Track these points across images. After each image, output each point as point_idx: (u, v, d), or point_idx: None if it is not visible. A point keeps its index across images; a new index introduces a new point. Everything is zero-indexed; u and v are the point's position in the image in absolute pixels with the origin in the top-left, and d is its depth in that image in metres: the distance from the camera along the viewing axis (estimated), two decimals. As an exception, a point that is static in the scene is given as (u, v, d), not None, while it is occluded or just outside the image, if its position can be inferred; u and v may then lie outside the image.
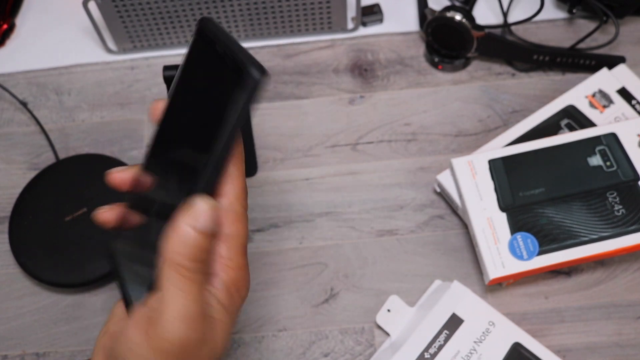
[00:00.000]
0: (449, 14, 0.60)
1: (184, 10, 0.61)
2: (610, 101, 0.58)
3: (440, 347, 0.48)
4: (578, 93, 0.58)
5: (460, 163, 0.54)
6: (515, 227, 0.51)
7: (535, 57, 0.61)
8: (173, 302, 0.31)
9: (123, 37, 0.63)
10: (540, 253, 0.50)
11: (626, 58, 0.61)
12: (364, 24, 0.66)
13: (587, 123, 0.57)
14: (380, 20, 0.66)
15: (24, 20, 0.68)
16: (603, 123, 0.57)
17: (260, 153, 0.60)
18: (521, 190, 0.53)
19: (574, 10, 0.64)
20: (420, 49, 0.65)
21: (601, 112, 0.57)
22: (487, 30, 0.60)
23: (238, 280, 0.34)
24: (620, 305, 0.53)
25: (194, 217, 0.31)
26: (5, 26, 0.66)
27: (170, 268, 0.31)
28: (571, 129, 0.57)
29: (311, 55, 0.65)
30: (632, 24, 0.65)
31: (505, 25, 0.64)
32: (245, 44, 0.65)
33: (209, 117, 0.32)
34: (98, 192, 0.56)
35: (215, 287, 0.34)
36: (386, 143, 0.60)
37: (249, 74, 0.30)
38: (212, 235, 0.32)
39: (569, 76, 0.63)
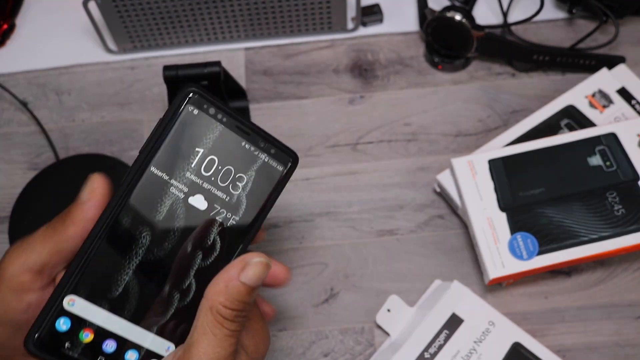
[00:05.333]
0: (449, 14, 0.60)
1: (184, 10, 0.61)
2: (610, 101, 0.58)
3: (440, 347, 0.48)
4: (578, 93, 0.58)
5: (460, 163, 0.54)
6: (515, 227, 0.51)
7: (535, 57, 0.61)
8: (205, 344, 0.32)
9: (123, 37, 0.63)
10: (540, 253, 0.50)
11: (626, 58, 0.61)
12: (364, 24, 0.66)
13: (587, 123, 0.57)
14: (380, 20, 0.66)
15: (24, 20, 0.68)
16: (603, 123, 0.57)
17: (260, 153, 0.60)
18: (521, 190, 0.53)
19: (574, 11, 0.64)
20: (420, 49, 0.65)
21: (601, 112, 0.57)
22: (487, 30, 0.61)
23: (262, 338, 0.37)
24: (620, 305, 0.53)
25: (247, 270, 0.33)
26: (5, 26, 0.66)
27: (210, 313, 0.32)
28: (571, 129, 0.57)
29: (311, 55, 0.65)
30: (632, 24, 0.65)
31: (505, 25, 0.64)
32: (245, 44, 0.65)
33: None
34: (98, 192, 0.56)
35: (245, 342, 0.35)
36: (386, 143, 0.60)
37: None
38: (256, 289, 0.34)
39: (569, 76, 0.63)
